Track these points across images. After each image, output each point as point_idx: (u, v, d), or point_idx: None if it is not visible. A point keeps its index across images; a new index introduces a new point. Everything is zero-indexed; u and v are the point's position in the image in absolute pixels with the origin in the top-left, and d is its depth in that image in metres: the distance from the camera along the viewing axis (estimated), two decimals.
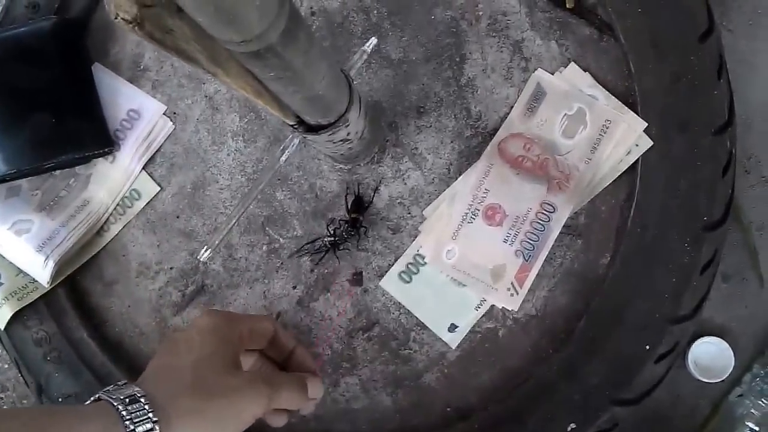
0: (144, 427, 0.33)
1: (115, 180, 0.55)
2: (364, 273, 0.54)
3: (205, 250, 0.50)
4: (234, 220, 0.50)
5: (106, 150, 0.54)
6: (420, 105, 0.56)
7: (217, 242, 0.50)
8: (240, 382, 0.37)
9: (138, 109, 0.55)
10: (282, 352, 0.44)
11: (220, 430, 0.35)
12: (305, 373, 0.42)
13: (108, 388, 0.35)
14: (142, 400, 0.34)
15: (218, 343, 0.38)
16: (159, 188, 0.56)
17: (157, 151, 0.56)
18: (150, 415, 0.33)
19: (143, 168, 0.55)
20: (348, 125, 0.45)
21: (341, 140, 0.47)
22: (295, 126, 0.43)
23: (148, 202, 0.56)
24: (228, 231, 0.50)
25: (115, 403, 0.34)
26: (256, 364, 0.44)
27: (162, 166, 0.56)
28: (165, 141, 0.56)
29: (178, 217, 0.56)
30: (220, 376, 0.37)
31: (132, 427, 0.33)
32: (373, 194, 0.55)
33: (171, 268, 0.56)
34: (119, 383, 0.36)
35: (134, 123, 0.55)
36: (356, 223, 0.53)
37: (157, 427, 0.33)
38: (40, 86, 0.52)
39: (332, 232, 0.53)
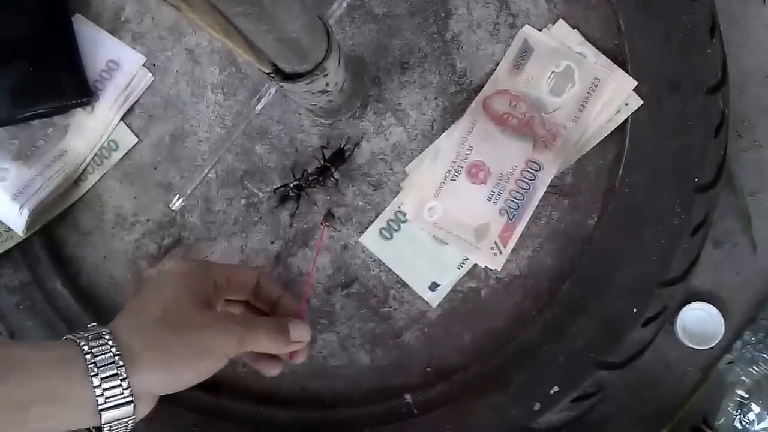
0: (104, 356, 0.31)
1: (93, 130, 0.53)
2: (345, 224, 0.52)
3: (177, 199, 0.48)
4: (207, 170, 0.48)
5: (85, 100, 0.52)
6: (404, 60, 0.53)
7: (189, 191, 0.48)
8: (210, 319, 0.35)
9: (117, 60, 0.54)
10: (268, 302, 0.42)
11: (189, 365, 0.34)
12: (288, 318, 0.40)
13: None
14: (106, 336, 0.32)
15: (189, 285, 0.36)
16: (137, 139, 0.54)
17: (135, 102, 0.54)
18: (113, 349, 0.32)
19: (121, 119, 0.53)
20: (327, 75, 0.43)
21: (320, 91, 0.45)
22: (271, 74, 0.41)
23: (126, 153, 0.54)
24: (201, 180, 0.48)
25: (77, 339, 0.32)
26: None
27: (140, 118, 0.54)
28: (144, 92, 0.53)
29: (155, 168, 0.54)
30: (189, 313, 0.35)
31: (92, 359, 0.31)
32: (353, 149, 0.53)
33: (148, 220, 0.54)
34: (88, 325, 0.34)
35: (113, 74, 0.54)
36: (326, 172, 0.51)
37: (120, 361, 0.32)
38: (20, 35, 0.51)
39: (299, 176, 0.51)
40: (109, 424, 0.32)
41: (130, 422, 0.33)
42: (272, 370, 0.41)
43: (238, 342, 0.35)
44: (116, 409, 0.32)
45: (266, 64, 0.40)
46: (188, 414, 0.51)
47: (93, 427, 0.33)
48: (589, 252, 0.52)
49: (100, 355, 0.32)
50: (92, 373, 0.31)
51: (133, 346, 0.32)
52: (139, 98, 0.54)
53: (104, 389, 0.31)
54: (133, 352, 0.32)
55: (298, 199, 0.52)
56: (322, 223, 0.51)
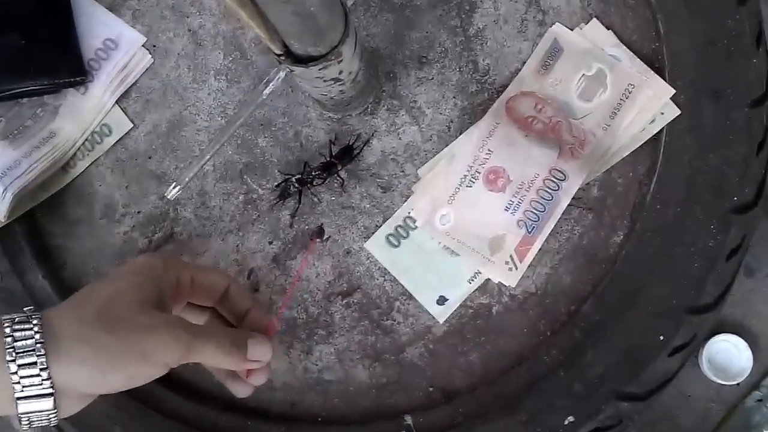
0: (26, 342, 0.28)
1: (85, 113, 0.48)
2: (345, 232, 0.48)
3: (173, 187, 0.43)
4: (208, 156, 0.44)
5: (79, 79, 0.47)
6: (422, 55, 0.49)
7: (187, 179, 0.44)
8: (155, 321, 0.31)
9: (116, 39, 0.49)
10: (236, 312, 0.38)
11: (120, 368, 0.30)
12: (251, 332, 0.36)
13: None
14: (34, 321, 0.29)
15: (144, 281, 0.32)
16: (132, 125, 0.49)
17: (132, 85, 0.48)
18: (36, 336, 0.29)
19: (116, 102, 0.48)
20: (341, 61, 0.38)
21: (333, 79, 0.40)
22: (282, 56, 0.37)
23: (119, 140, 0.48)
24: (200, 168, 0.44)
25: (4, 320, 0.29)
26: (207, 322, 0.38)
27: (137, 102, 0.49)
28: (142, 75, 0.48)
29: (150, 157, 0.49)
30: (134, 311, 0.31)
31: (12, 343, 0.28)
32: (362, 146, 0.48)
33: (138, 212, 0.49)
34: (25, 308, 0.31)
35: (110, 53, 0.49)
36: (330, 168, 0.46)
37: (41, 349, 0.28)
38: (12, 5, 0.46)
39: (301, 169, 0.46)
40: (27, 415, 0.29)
41: (51, 417, 0.30)
42: (239, 390, 0.37)
43: (183, 351, 0.31)
44: (34, 401, 0.29)
45: (278, 44, 0.35)
46: (170, 423, 0.46)
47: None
48: (614, 272, 0.47)
49: (22, 340, 0.29)
50: (9, 358, 0.28)
51: (62, 337, 0.29)
52: (136, 81, 0.49)
53: (21, 377, 0.28)
54: (61, 342, 0.29)
55: (299, 196, 0.47)
56: (311, 240, 0.47)
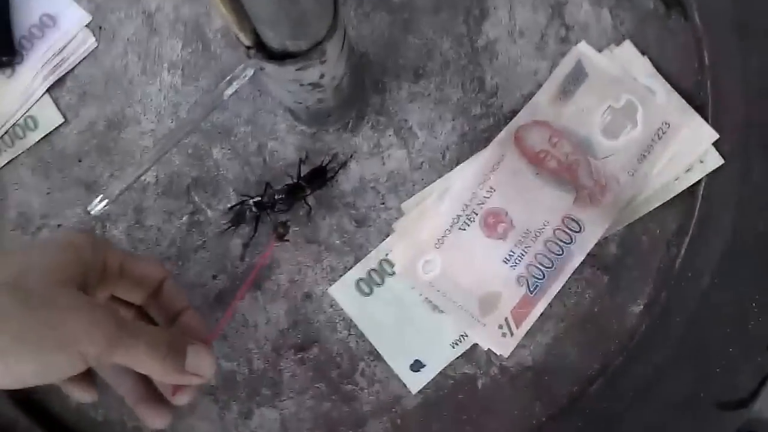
0: None
1: (9, 100, 0.39)
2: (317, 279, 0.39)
3: (99, 201, 0.35)
4: (146, 166, 0.35)
5: (5, 59, 0.39)
6: (419, 65, 0.40)
7: (117, 193, 0.35)
8: (76, 301, 0.26)
9: (55, 16, 0.40)
10: (168, 312, 0.32)
11: (29, 354, 0.25)
12: (190, 338, 0.30)
13: None
14: None
15: (67, 258, 0.28)
16: (63, 120, 0.40)
17: (69, 72, 0.40)
18: None
19: (47, 91, 0.40)
20: (324, 62, 0.30)
21: (311, 84, 0.32)
22: (252, 48, 0.28)
23: (46, 136, 0.40)
24: (136, 179, 0.35)
25: None
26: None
27: (72, 92, 0.40)
28: (82, 61, 0.40)
29: (80, 161, 0.40)
30: (52, 288, 0.26)
31: None
32: (338, 169, 0.40)
33: (59, 225, 0.40)
34: None
35: (46, 32, 0.40)
36: (297, 192, 0.37)
37: None
38: None
39: (262, 191, 0.38)
40: None
41: None
42: (154, 419, 0.30)
43: (106, 341, 0.25)
44: None
45: (247, 33, 0.27)
46: None
47: None
48: (629, 350, 0.38)
49: None
50: None
51: None
52: (74, 68, 0.40)
53: None
54: None
55: (256, 224, 0.39)
56: (273, 237, 0.38)
